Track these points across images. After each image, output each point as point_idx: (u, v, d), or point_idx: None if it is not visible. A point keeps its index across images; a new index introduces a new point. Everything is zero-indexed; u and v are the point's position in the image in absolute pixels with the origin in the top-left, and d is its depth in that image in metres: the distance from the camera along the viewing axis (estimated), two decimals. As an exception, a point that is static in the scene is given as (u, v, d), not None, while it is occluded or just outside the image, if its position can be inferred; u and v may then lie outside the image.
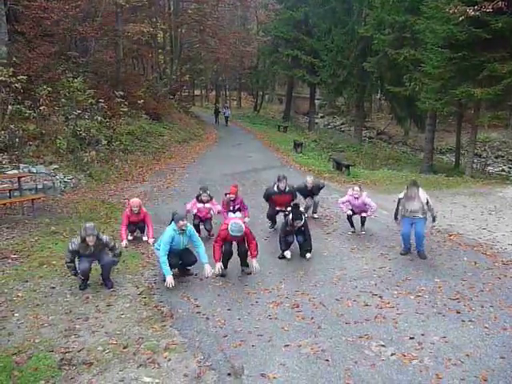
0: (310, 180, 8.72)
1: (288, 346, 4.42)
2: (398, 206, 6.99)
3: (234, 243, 6.20)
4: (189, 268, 6.25)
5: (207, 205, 7.75)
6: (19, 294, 5.48)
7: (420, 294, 5.52)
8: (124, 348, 4.39)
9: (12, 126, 10.55)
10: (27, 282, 5.84)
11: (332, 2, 26.02)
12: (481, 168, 22.28)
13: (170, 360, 4.21)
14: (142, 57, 28.00)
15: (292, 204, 7.25)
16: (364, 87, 25.44)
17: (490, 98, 14.16)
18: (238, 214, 7.86)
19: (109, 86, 17.35)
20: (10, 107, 10.87)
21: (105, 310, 5.19)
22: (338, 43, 25.28)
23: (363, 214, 7.86)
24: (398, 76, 20.14)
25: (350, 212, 7.91)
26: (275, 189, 8.06)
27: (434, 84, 15.58)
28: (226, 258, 6.16)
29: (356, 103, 27.67)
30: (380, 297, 5.47)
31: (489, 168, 23.46)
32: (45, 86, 11.94)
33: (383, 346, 4.40)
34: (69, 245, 5.61)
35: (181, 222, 5.76)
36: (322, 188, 9.18)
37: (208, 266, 5.77)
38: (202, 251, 5.91)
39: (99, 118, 13.35)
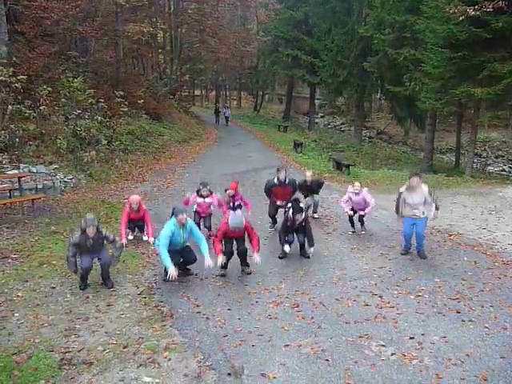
0: (309, 174, 8.70)
1: (288, 345, 4.42)
2: (398, 200, 6.90)
3: (234, 243, 6.20)
4: (189, 268, 6.25)
5: (207, 199, 7.75)
6: (19, 294, 5.48)
7: (420, 293, 5.52)
8: (124, 348, 4.39)
9: (12, 126, 10.55)
10: (27, 281, 5.84)
11: (332, 1, 26.00)
12: (481, 168, 22.30)
13: (170, 360, 4.21)
14: (142, 57, 27.97)
15: (292, 199, 7.24)
16: (364, 87, 25.43)
17: (490, 98, 14.15)
18: (238, 211, 7.87)
19: (109, 86, 17.35)
20: (10, 107, 10.87)
21: (105, 309, 5.19)
22: (338, 43, 25.27)
23: (361, 213, 7.85)
24: (398, 76, 20.14)
25: (351, 212, 7.91)
26: (275, 180, 8.04)
27: (434, 84, 15.58)
28: (226, 258, 6.16)
29: (356, 103, 27.67)
30: (380, 297, 5.47)
31: (489, 168, 23.47)
32: (45, 86, 11.94)
33: (383, 345, 4.40)
34: (70, 239, 5.65)
35: (180, 216, 5.75)
36: (321, 185, 9.08)
37: (208, 259, 5.77)
38: (203, 244, 5.92)
39: (99, 117, 13.34)
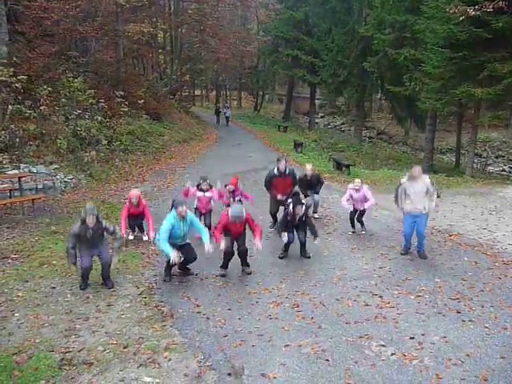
0: (309, 167, 8.69)
1: (288, 345, 4.42)
2: (397, 190, 6.86)
3: (235, 244, 6.20)
4: (189, 268, 6.25)
5: (207, 193, 7.74)
6: (19, 294, 5.48)
7: (420, 293, 5.52)
8: (124, 348, 4.39)
9: (12, 126, 10.55)
10: (27, 281, 5.85)
11: (332, 1, 26.00)
12: (481, 168, 22.29)
13: (170, 360, 4.21)
14: (142, 57, 27.99)
15: (292, 193, 7.25)
16: (364, 87, 25.43)
17: (490, 98, 14.15)
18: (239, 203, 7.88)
19: (109, 86, 17.35)
20: (10, 107, 10.87)
21: (105, 309, 5.19)
22: (338, 43, 25.27)
23: (361, 209, 7.83)
24: (399, 76, 20.13)
25: (351, 208, 7.89)
26: (275, 171, 8.04)
27: (435, 84, 15.57)
28: (227, 258, 6.17)
29: (356, 103, 27.66)
30: (380, 297, 5.47)
31: (489, 168, 23.46)
32: (45, 86, 11.94)
33: (383, 345, 4.40)
34: (70, 230, 5.65)
35: (180, 209, 5.75)
36: (321, 181, 9.07)
37: (208, 243, 5.83)
38: (204, 234, 5.98)
39: (99, 117, 13.35)
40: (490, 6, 10.51)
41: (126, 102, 15.62)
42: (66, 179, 10.78)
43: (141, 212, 7.58)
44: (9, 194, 8.91)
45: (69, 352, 4.31)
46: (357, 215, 7.96)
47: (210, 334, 4.68)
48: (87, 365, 4.12)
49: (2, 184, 9.21)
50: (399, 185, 6.82)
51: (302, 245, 6.85)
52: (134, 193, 7.59)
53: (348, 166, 15.28)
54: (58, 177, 10.61)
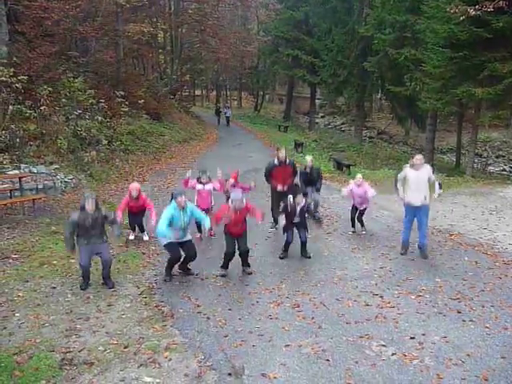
0: (309, 159, 8.71)
1: (289, 345, 4.42)
2: (396, 176, 6.85)
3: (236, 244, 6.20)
4: (190, 268, 6.25)
5: (207, 186, 7.73)
6: (20, 294, 5.48)
7: (421, 293, 5.52)
8: (125, 348, 4.39)
9: (13, 126, 10.55)
10: (28, 281, 5.85)
11: (332, 1, 26.00)
12: (481, 168, 22.27)
13: (170, 360, 4.21)
14: (142, 57, 27.97)
15: (293, 184, 7.25)
16: (364, 87, 25.41)
17: (490, 98, 14.15)
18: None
19: (109, 86, 17.36)
20: (10, 107, 10.86)
21: (106, 309, 5.19)
22: (338, 43, 25.26)
23: (361, 207, 7.84)
24: (399, 76, 20.14)
25: (347, 194, 7.90)
26: (275, 161, 8.08)
27: (435, 84, 15.56)
28: (227, 258, 6.17)
29: (356, 103, 27.64)
30: (381, 297, 5.46)
31: (489, 168, 23.44)
32: (45, 86, 11.94)
33: (384, 345, 4.39)
34: (69, 217, 5.65)
35: (179, 198, 5.74)
36: (321, 177, 9.02)
37: (208, 222, 6.02)
38: (205, 220, 6.12)
39: (100, 117, 13.35)
40: (491, 6, 10.49)
41: (127, 102, 15.62)
42: (66, 179, 10.78)
43: (141, 206, 7.52)
44: (9, 194, 8.91)
45: (69, 352, 4.31)
46: (357, 214, 7.97)
47: (211, 333, 4.68)
48: (88, 365, 4.12)
49: (2, 184, 9.21)
50: (400, 171, 6.82)
51: (303, 244, 6.83)
52: (134, 185, 7.53)
53: (348, 166, 15.28)
54: (58, 177, 10.61)
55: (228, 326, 4.82)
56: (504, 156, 26.20)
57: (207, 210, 7.80)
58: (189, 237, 6.12)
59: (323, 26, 26.81)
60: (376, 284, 5.85)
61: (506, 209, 9.55)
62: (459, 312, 5.02)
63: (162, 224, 5.67)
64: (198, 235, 7.68)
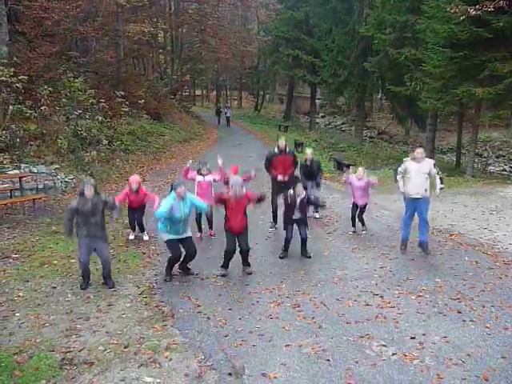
0: (309, 151, 8.76)
1: (289, 345, 4.42)
2: (397, 168, 6.85)
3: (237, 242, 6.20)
4: (190, 268, 6.25)
5: (207, 178, 7.72)
6: (20, 294, 5.48)
7: (421, 293, 5.51)
8: (125, 348, 4.39)
9: (13, 126, 10.56)
10: (28, 281, 5.85)
11: (333, 1, 26.01)
12: (482, 167, 22.23)
13: (170, 360, 4.21)
14: (142, 57, 28.04)
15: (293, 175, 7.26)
16: (365, 87, 25.42)
17: (491, 98, 14.14)
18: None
19: (110, 86, 17.38)
20: (11, 107, 10.88)
21: (106, 309, 5.19)
22: (338, 43, 25.26)
23: (361, 203, 7.84)
24: (399, 76, 20.12)
25: (348, 179, 7.94)
26: (276, 150, 8.11)
27: (435, 83, 15.56)
28: (228, 256, 6.16)
29: (357, 103, 27.65)
30: (381, 296, 5.46)
31: (490, 168, 23.41)
32: (46, 86, 11.96)
33: (384, 345, 4.39)
34: (69, 205, 5.66)
35: (179, 189, 5.70)
36: (321, 171, 9.08)
37: (207, 207, 6.24)
38: (205, 207, 6.23)
39: (100, 117, 13.36)
40: (491, 6, 10.49)
41: (127, 102, 15.64)
42: (66, 179, 10.79)
43: (141, 201, 7.47)
44: (9, 193, 8.92)
45: (69, 352, 4.31)
46: (358, 212, 7.95)
47: (211, 333, 4.68)
48: (88, 364, 4.12)
49: (2, 184, 9.22)
50: (401, 164, 6.82)
51: (303, 242, 6.80)
52: (135, 178, 7.48)
53: (349, 166, 15.28)
54: (58, 177, 10.62)
55: (228, 326, 4.82)
56: (504, 156, 26.18)
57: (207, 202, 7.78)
58: (189, 233, 6.09)
59: (323, 26, 26.81)
60: (376, 284, 5.85)
61: (506, 209, 9.54)
62: (459, 312, 5.02)
63: (161, 208, 5.66)
64: (199, 235, 7.68)
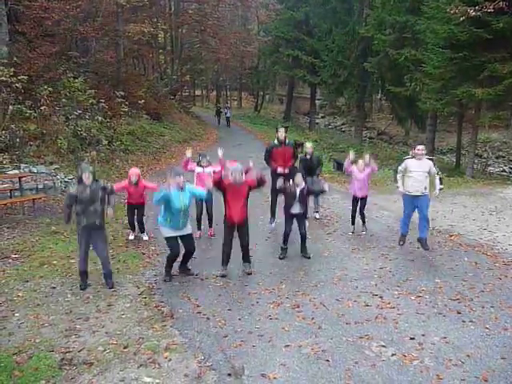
0: (309, 145, 8.77)
1: (288, 346, 4.42)
2: (397, 168, 6.86)
3: (236, 243, 6.20)
4: (189, 268, 6.25)
5: (207, 169, 7.72)
6: (20, 294, 5.48)
7: (420, 294, 5.51)
8: (124, 348, 4.39)
9: (13, 126, 10.56)
10: (28, 281, 5.85)
11: (333, 2, 26.03)
12: (481, 168, 22.25)
13: (170, 360, 4.21)
14: (142, 57, 28.01)
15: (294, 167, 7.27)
16: (365, 87, 25.45)
17: (490, 99, 14.15)
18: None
19: (109, 86, 17.38)
20: (10, 107, 10.88)
21: (105, 310, 5.19)
22: (338, 43, 25.27)
23: (360, 195, 7.81)
24: (399, 76, 20.13)
25: (348, 167, 7.94)
26: (275, 141, 8.17)
27: (435, 84, 15.58)
28: (225, 253, 6.15)
29: (357, 103, 27.66)
30: (380, 297, 5.46)
31: (489, 168, 23.42)
32: (45, 86, 11.96)
33: (384, 346, 4.39)
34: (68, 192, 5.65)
35: (178, 178, 5.65)
36: (321, 164, 9.11)
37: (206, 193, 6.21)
38: (204, 193, 6.18)
39: (100, 118, 13.36)
40: (491, 7, 10.50)
41: (127, 102, 15.65)
42: (66, 179, 10.79)
43: (140, 194, 7.46)
44: (9, 193, 8.91)
45: (69, 352, 4.31)
46: (358, 207, 7.91)
47: (210, 334, 4.67)
48: (87, 365, 4.12)
49: (2, 184, 9.22)
50: (401, 163, 6.82)
51: (303, 239, 6.76)
52: (134, 171, 7.49)
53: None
54: (58, 177, 10.61)
55: (228, 327, 4.81)
56: (504, 157, 26.19)
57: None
58: (189, 229, 6.05)
59: (323, 26, 26.83)
60: (376, 284, 5.85)
61: (505, 209, 9.55)
62: (459, 313, 5.02)
63: (159, 193, 5.66)
64: (198, 233, 7.67)
